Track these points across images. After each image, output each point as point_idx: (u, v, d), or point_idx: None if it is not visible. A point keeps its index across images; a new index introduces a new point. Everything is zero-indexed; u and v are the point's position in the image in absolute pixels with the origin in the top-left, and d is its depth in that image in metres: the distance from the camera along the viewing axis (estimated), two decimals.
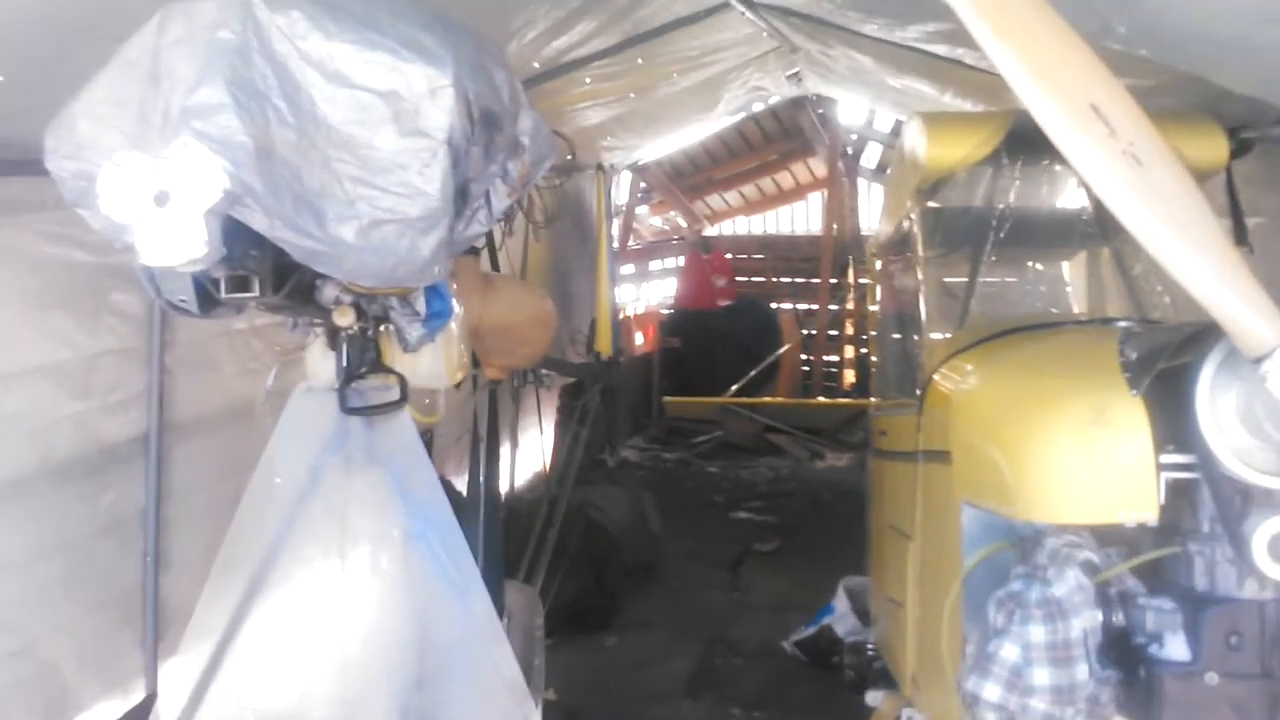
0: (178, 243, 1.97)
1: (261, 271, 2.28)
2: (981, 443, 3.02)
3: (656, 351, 13.93)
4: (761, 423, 12.50)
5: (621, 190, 14.15)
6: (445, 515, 2.98)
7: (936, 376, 3.57)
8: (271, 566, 2.97)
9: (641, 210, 16.45)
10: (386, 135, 2.24)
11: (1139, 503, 2.60)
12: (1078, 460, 2.68)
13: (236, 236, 2.11)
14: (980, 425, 3.09)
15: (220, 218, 2.01)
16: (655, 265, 17.15)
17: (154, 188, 1.96)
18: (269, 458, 3.04)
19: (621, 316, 12.80)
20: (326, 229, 2.21)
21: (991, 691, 2.64)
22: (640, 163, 13.37)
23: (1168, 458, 2.59)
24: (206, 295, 2.34)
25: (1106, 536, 2.77)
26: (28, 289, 3.96)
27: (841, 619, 5.85)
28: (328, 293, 2.58)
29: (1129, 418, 2.62)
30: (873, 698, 3.99)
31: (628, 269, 15.82)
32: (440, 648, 2.96)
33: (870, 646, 4.60)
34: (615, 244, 12.46)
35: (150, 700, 4.42)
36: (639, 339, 14.18)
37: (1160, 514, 2.60)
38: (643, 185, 15.68)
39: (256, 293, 2.31)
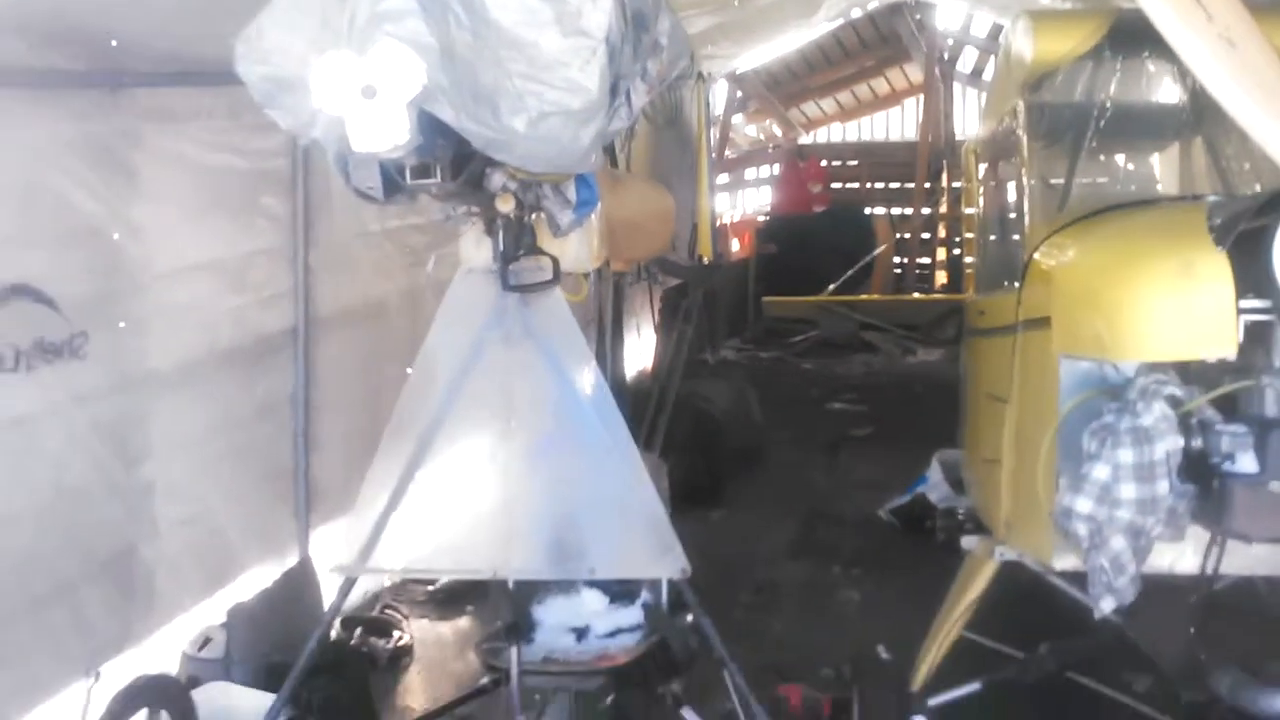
0: (384, 131, 2.28)
1: (443, 160, 2.58)
2: (1080, 301, 3.35)
3: (753, 257, 14.09)
4: (856, 320, 12.66)
5: (719, 99, 14.18)
6: (596, 381, 3.31)
7: (1037, 255, 3.81)
8: (439, 430, 3.35)
9: (738, 119, 16.45)
10: (551, 36, 2.49)
11: (1220, 342, 2.99)
12: (1167, 305, 3.07)
13: (425, 128, 2.40)
14: (1079, 285, 3.42)
15: (416, 109, 2.31)
16: (751, 174, 17.19)
17: (361, 82, 2.26)
18: (435, 333, 3.40)
19: (719, 224, 12.96)
20: (501, 120, 2.50)
21: (1083, 505, 3.06)
22: (738, 72, 13.36)
23: (1246, 303, 2.97)
24: (391, 182, 2.65)
25: (1190, 374, 3.18)
26: (190, 192, 4.29)
27: (935, 487, 6.12)
28: (496, 180, 2.85)
29: (1213, 269, 2.99)
30: (968, 542, 4.29)
31: (724, 178, 15.90)
32: (591, 490, 3.32)
33: (961, 512, 4.88)
34: (713, 152, 12.56)
35: (304, 563, 4.86)
36: (736, 245, 14.34)
37: (1238, 352, 2.98)
38: (740, 94, 15.66)
39: (437, 179, 2.61)
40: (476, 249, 3.34)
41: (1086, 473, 3.06)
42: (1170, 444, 3.01)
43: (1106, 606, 3.14)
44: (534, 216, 3.18)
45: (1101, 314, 3.20)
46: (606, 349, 4.79)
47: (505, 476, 3.31)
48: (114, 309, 3.88)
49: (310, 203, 4.96)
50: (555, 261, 3.23)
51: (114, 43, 3.73)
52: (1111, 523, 3.04)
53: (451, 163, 2.62)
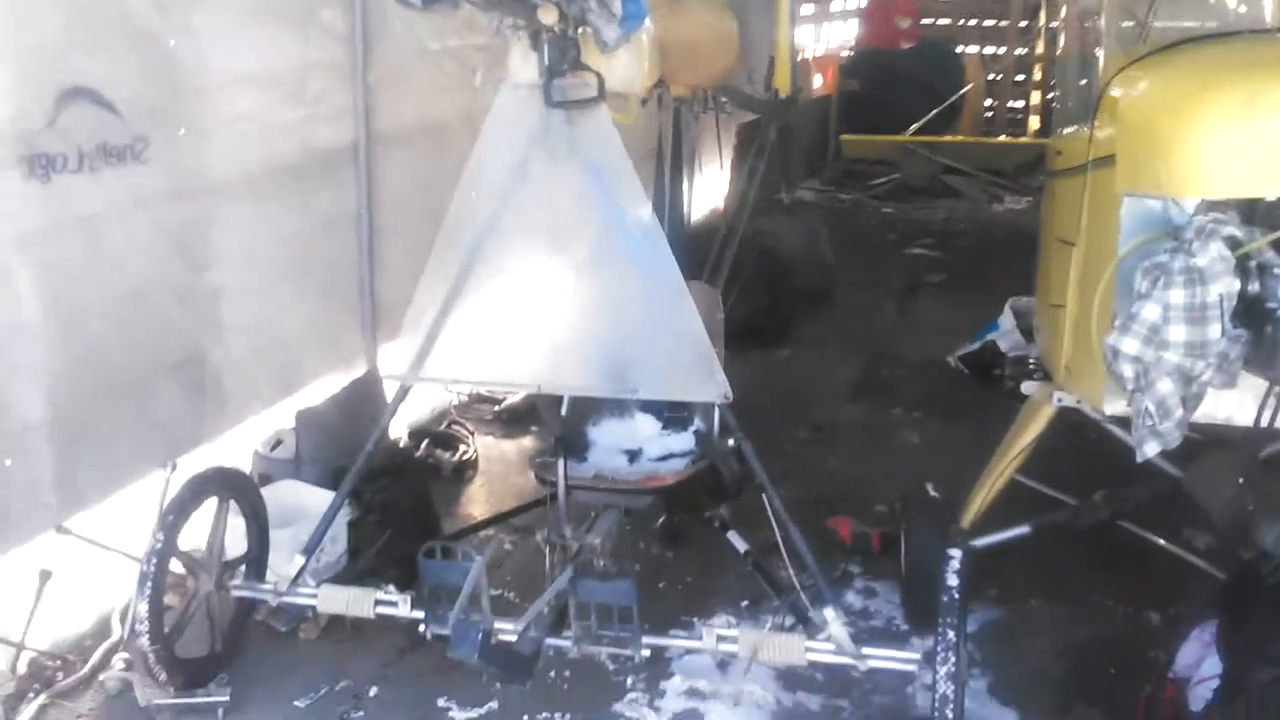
0: None
1: None
2: (1143, 134, 3.19)
3: (835, 94, 13.62)
4: (940, 163, 12.27)
5: None
6: (640, 199, 3.24)
7: (1110, 88, 3.63)
8: (486, 242, 3.33)
9: None
10: None
11: None
12: (1230, 139, 2.90)
13: None
14: (1143, 120, 3.25)
15: None
16: (836, 5, 16.46)
17: None
18: (480, 149, 3.34)
19: (800, 58, 12.49)
20: None
21: (1130, 345, 2.96)
22: None
23: None
24: None
25: (1253, 214, 3.02)
26: (247, 2, 4.24)
27: (1006, 335, 6.01)
28: None
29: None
30: (1028, 386, 4.21)
31: (808, 8, 15.26)
32: (635, 310, 3.29)
33: (1032, 361, 4.77)
34: None
35: (372, 372, 4.96)
36: (818, 81, 13.85)
37: None
38: None
39: None
40: (522, 64, 3.23)
41: (1135, 312, 2.95)
42: (1225, 286, 2.88)
43: (1150, 450, 3.06)
44: (579, 31, 3.06)
45: (1162, 149, 3.04)
46: (665, 180, 4.66)
47: (551, 292, 3.29)
48: (173, 116, 3.91)
49: (369, 18, 4.88)
50: (600, 78, 3.12)
51: None
52: (1158, 364, 2.93)
53: None
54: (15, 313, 3.37)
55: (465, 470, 5.21)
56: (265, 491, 3.86)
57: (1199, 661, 3.49)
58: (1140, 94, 3.42)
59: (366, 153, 5.01)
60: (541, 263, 3.29)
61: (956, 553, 3.10)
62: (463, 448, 5.32)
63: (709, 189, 8.12)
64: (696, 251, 6.20)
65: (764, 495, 3.28)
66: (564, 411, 3.81)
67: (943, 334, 7.08)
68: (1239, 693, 2.87)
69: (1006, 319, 6.08)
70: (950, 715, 2.86)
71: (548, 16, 2.94)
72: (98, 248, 3.64)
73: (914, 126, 12.48)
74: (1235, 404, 3.28)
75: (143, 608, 3.21)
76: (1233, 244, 2.91)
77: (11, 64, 3.29)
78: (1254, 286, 2.92)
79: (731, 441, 3.49)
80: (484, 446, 5.48)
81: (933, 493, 4.03)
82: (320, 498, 3.93)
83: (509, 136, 3.31)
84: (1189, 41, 3.69)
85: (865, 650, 3.13)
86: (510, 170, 3.30)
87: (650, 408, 3.90)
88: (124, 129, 3.65)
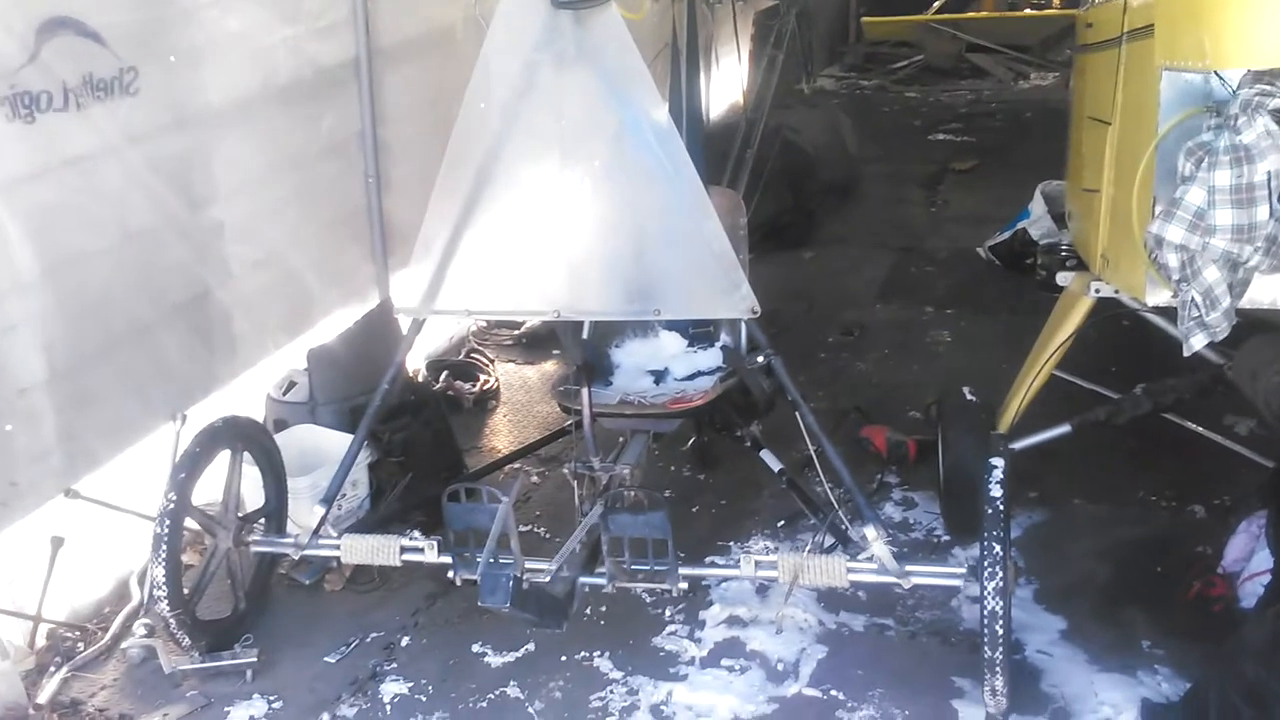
0: None
1: None
2: (1183, 2, 2.97)
3: None
4: (964, 40, 11.87)
5: None
6: (655, 104, 3.05)
7: None
8: (495, 160, 3.16)
9: None
10: None
11: None
12: (1273, 5, 2.71)
13: None
14: None
15: None
16: None
17: None
18: (485, 58, 3.14)
19: None
20: None
21: (1175, 233, 2.81)
22: None
23: None
24: None
25: None
26: None
27: (1037, 222, 5.80)
28: None
29: None
30: (1063, 278, 4.04)
31: None
32: (655, 225, 3.13)
33: (1065, 247, 4.60)
34: None
35: (385, 304, 4.81)
36: None
37: None
38: None
39: None
40: None
41: (1180, 197, 2.79)
42: (1273, 164, 2.70)
43: (1197, 343, 2.93)
44: None
45: (1205, 17, 2.83)
46: (681, 77, 4.44)
47: (565, 211, 3.12)
48: (163, 42, 3.72)
49: None
50: None
51: None
52: (1205, 251, 2.78)
53: None
54: (7, 265, 3.21)
55: (487, 401, 5.09)
56: (280, 438, 3.76)
57: (1248, 555, 3.41)
58: None
59: (369, 68, 4.80)
60: (554, 178, 3.11)
61: (999, 461, 2.98)
62: (483, 377, 5.20)
63: (727, 83, 7.86)
64: (716, 151, 6.01)
65: (797, 412, 3.15)
66: (585, 335, 3.68)
67: (973, 224, 6.89)
68: None
69: (1037, 205, 5.86)
70: (999, 630, 2.77)
71: None
72: (91, 190, 3.47)
73: (936, 4, 12.05)
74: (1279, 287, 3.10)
75: (159, 572, 3.12)
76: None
77: None
78: None
79: (761, 358, 3.35)
80: (505, 374, 5.36)
81: (969, 396, 3.90)
82: (338, 441, 3.82)
83: (514, 42, 3.11)
84: None
85: (909, 568, 3.03)
86: (517, 79, 3.11)
87: (675, 325, 3.75)
88: (111, 60, 3.46)
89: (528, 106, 3.11)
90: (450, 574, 3.06)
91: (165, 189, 3.78)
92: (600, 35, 3.03)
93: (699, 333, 3.76)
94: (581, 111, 3.07)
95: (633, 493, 3.14)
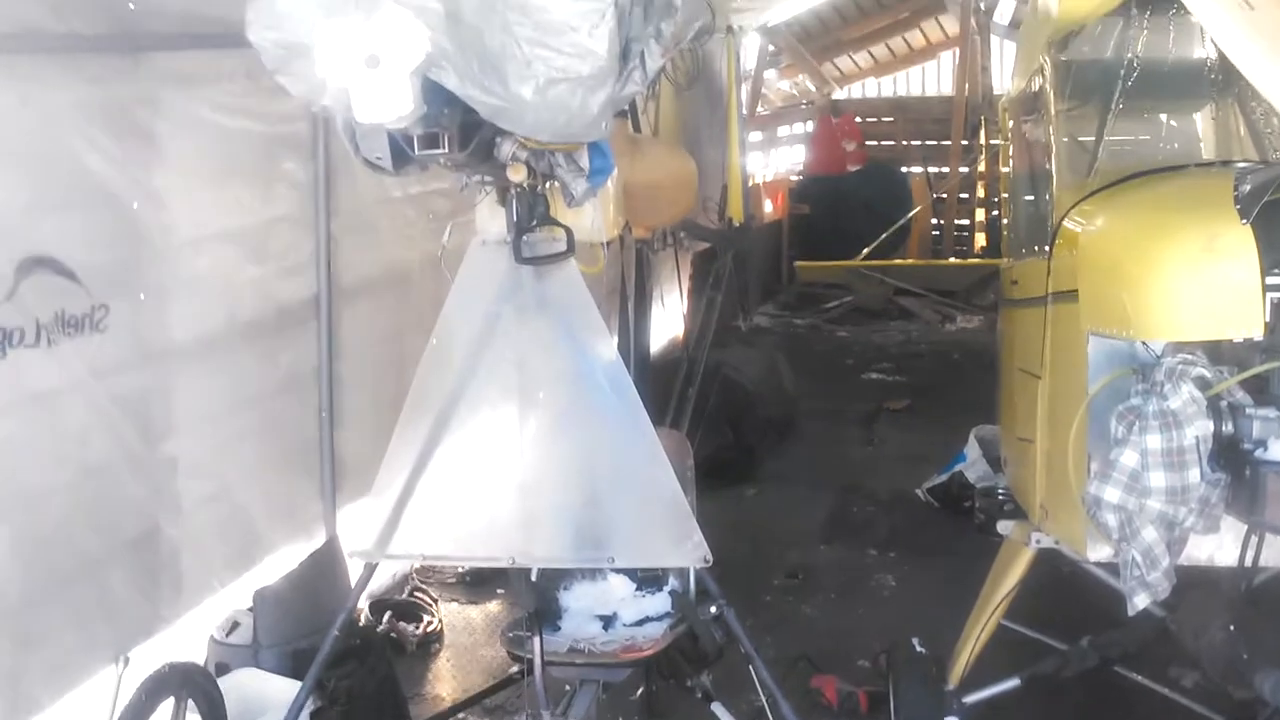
0: (388, 101, 2.16)
1: (450, 129, 2.46)
2: (1106, 275, 3.22)
3: (786, 218, 13.88)
4: (892, 285, 12.46)
5: (750, 54, 13.88)
6: (610, 355, 3.19)
7: (1066, 222, 3.69)
8: (455, 408, 3.25)
9: (770, 75, 16.11)
10: None
11: (1247, 321, 2.87)
12: (1192, 283, 2.94)
13: (431, 96, 2.29)
14: (1104, 259, 3.29)
15: (421, 78, 2.19)
16: (784, 131, 16.86)
17: (365, 51, 2.14)
18: (449, 308, 3.29)
19: (751, 184, 12.74)
20: (508, 87, 2.38)
21: (1111, 494, 2.94)
22: (769, 24, 13.07)
23: (1274, 280, 2.84)
24: (399, 152, 2.55)
25: (1218, 355, 3.05)
26: (209, 158, 4.19)
27: (973, 465, 5.99)
28: (505, 149, 2.74)
29: (1238, 245, 2.86)
30: (1004, 527, 4.15)
31: (756, 136, 15.62)
32: (609, 473, 3.21)
33: (1001, 491, 4.75)
34: (744, 109, 12.31)
35: (332, 543, 4.78)
36: (769, 206, 14.12)
37: (1266, 331, 2.85)
38: (771, 48, 15.32)
39: (445, 149, 2.49)
40: (491, 219, 3.23)
41: (1114, 459, 2.94)
42: (1200, 429, 2.87)
43: (1140, 602, 3.02)
44: (547, 186, 3.06)
45: (1126, 290, 3.08)
46: (629, 319, 4.65)
47: (522, 458, 3.21)
48: (134, 280, 3.83)
49: (331, 168, 4.84)
50: (569, 232, 3.12)
51: (132, 6, 3.67)
52: (1142, 512, 2.91)
53: (460, 131, 2.51)
54: None
55: (431, 643, 5.01)
56: (223, 682, 3.62)
57: None
58: (1099, 233, 3.46)
59: (329, 305, 4.92)
60: (512, 425, 3.21)
61: None
62: (427, 618, 5.12)
63: (668, 321, 8.16)
64: (660, 386, 6.19)
65: (750, 665, 3.16)
66: (534, 578, 3.69)
67: (910, 462, 7.06)
68: None
69: (972, 449, 6.07)
70: None
71: (516, 175, 2.91)
72: (52, 425, 3.50)
73: (865, 251, 12.71)
74: (1215, 544, 3.24)
75: None
76: (1203, 384, 2.92)
77: None
78: (1228, 428, 2.91)
79: (714, 608, 3.38)
80: (449, 614, 5.30)
81: (919, 648, 3.92)
82: (282, 686, 3.70)
83: (478, 294, 3.26)
84: (1140, 175, 3.77)
85: None
86: (479, 328, 3.25)
87: (623, 568, 3.78)
88: (84, 297, 3.55)
89: (488, 354, 3.24)
90: None
91: (125, 424, 3.80)
92: (559, 288, 3.19)
93: (647, 575, 3.78)
94: (540, 360, 3.20)
95: None
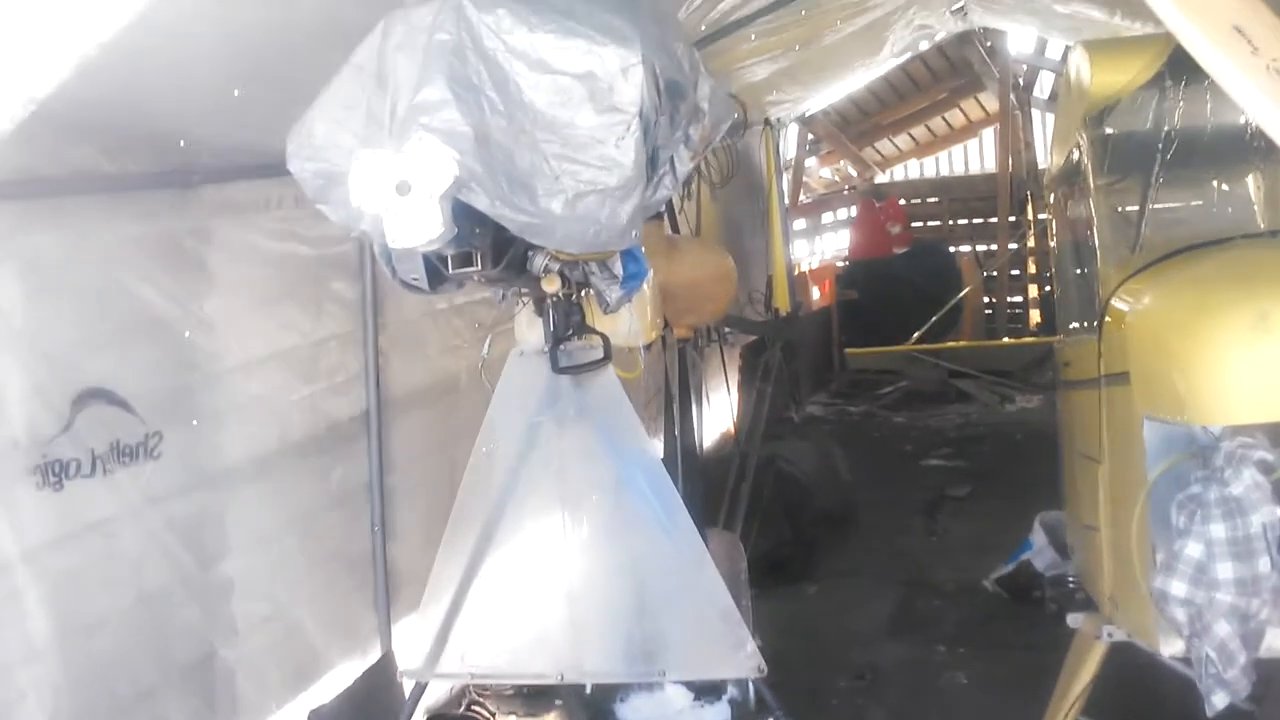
0: (418, 226, 2.22)
1: (482, 247, 2.51)
2: (1156, 357, 3.15)
3: (835, 305, 13.86)
4: (946, 368, 12.32)
5: (789, 144, 14.06)
6: (652, 461, 3.19)
7: (1113, 301, 3.62)
8: (499, 521, 3.26)
9: (811, 163, 16.29)
10: (585, 114, 2.43)
11: None
12: (1245, 363, 2.86)
13: (462, 217, 2.33)
14: (1153, 340, 3.22)
15: (450, 201, 2.24)
16: (828, 218, 16.99)
17: (395, 179, 2.20)
18: (490, 421, 3.32)
19: (797, 272, 12.79)
20: (538, 204, 2.43)
21: (1178, 588, 2.84)
22: (807, 114, 13.24)
23: None
24: (434, 272, 2.60)
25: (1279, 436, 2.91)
26: (258, 283, 4.31)
27: (1040, 553, 5.81)
28: (538, 262, 2.79)
29: None
30: (1074, 619, 4.03)
31: (800, 224, 15.74)
32: (656, 582, 3.18)
33: (1071, 579, 4.62)
34: (786, 199, 12.43)
35: (388, 658, 4.76)
36: (816, 294, 14.13)
37: None
38: (810, 137, 15.52)
39: (478, 266, 2.54)
40: (529, 328, 3.27)
41: (1179, 551, 2.84)
42: (1266, 515, 2.79)
43: (1219, 702, 2.89)
44: (583, 294, 3.11)
45: (1177, 372, 3.01)
46: (675, 421, 4.64)
47: (568, 569, 3.20)
48: (187, 406, 3.89)
49: (378, 284, 4.92)
50: (606, 340, 3.15)
51: (182, 143, 3.77)
52: (1212, 606, 2.80)
53: (492, 248, 2.56)
54: (23, 633, 3.22)
55: None
56: None
57: None
58: (1147, 314, 3.39)
59: (378, 419, 4.97)
60: (556, 537, 3.21)
61: None
62: None
63: (718, 417, 8.13)
64: (712, 486, 6.13)
65: None
66: (589, 691, 3.64)
67: (975, 552, 6.86)
68: None
69: (1038, 536, 5.88)
70: None
71: (551, 286, 2.97)
72: (109, 554, 3.53)
73: (916, 335, 12.62)
74: None
75: None
76: (1266, 468, 2.83)
77: (29, 372, 3.28)
78: None
79: None
80: None
81: None
82: None
83: (518, 405, 3.31)
84: (1185, 250, 3.68)
85: None
86: (520, 440, 3.29)
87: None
88: (138, 425, 3.61)
89: (530, 466, 3.26)
90: None
91: (180, 548, 3.84)
92: (598, 395, 3.23)
93: (705, 685, 3.71)
94: (581, 469, 3.21)
95: None
